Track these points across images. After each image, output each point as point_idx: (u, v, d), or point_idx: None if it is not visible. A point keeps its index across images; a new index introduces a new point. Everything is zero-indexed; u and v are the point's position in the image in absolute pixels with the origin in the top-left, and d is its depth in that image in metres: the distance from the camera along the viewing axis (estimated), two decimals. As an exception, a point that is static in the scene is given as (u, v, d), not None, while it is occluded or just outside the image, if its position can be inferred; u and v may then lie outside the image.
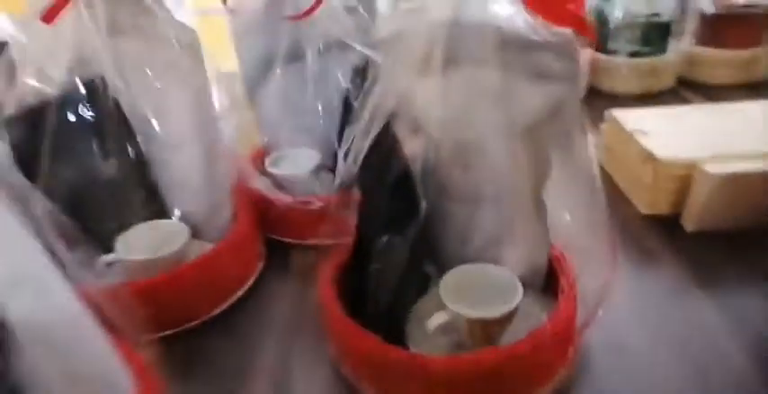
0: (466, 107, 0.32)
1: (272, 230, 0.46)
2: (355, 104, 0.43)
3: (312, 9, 0.41)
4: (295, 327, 0.39)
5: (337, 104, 0.47)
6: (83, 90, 0.39)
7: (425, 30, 0.30)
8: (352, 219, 0.38)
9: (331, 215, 0.44)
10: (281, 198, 0.45)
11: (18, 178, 0.34)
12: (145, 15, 0.39)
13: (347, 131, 0.36)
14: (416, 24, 0.31)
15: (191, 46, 0.40)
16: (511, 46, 0.31)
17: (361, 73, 0.46)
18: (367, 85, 0.34)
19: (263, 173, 0.48)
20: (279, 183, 0.47)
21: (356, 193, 0.38)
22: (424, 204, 0.33)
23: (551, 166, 0.34)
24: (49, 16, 0.33)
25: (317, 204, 0.44)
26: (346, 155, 0.39)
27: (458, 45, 0.31)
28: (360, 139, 0.35)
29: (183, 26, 0.38)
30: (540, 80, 0.32)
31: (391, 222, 0.32)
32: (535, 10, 0.31)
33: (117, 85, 0.39)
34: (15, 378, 0.20)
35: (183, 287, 0.38)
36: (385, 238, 0.32)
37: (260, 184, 0.45)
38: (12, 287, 0.21)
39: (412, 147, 0.34)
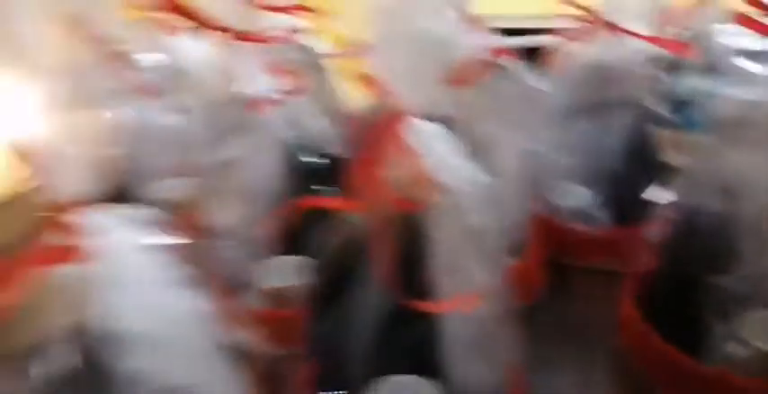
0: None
1: (554, 252, 0.55)
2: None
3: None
4: (583, 332, 0.49)
5: (620, 153, 0.55)
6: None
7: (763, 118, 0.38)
8: (636, 251, 0.47)
9: (610, 245, 0.54)
10: (568, 225, 0.54)
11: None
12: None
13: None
14: (757, 113, 0.38)
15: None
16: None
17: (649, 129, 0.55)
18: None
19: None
20: (556, 210, 0.57)
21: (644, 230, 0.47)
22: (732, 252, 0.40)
23: None
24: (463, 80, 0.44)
25: (602, 233, 0.53)
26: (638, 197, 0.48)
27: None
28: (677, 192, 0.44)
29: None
30: None
31: (709, 263, 0.40)
32: None
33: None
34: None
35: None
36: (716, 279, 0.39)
37: (550, 211, 0.55)
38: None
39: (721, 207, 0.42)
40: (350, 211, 0.32)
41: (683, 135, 0.61)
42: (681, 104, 0.67)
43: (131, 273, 0.26)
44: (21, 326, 0.24)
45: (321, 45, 0.59)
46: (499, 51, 0.46)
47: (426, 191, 0.29)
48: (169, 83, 0.62)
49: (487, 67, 0.45)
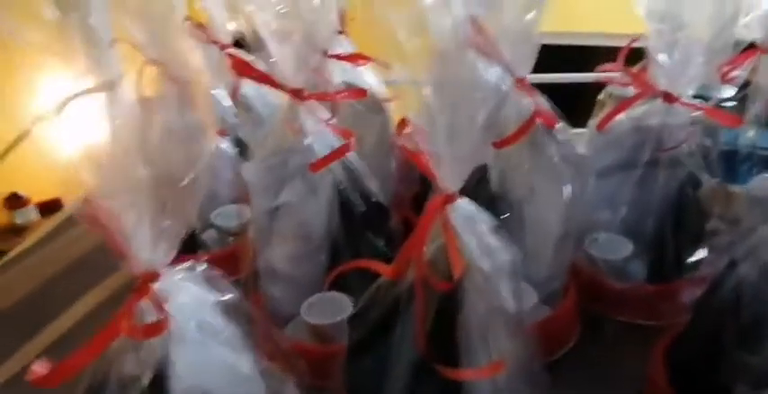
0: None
1: (589, 302, 0.57)
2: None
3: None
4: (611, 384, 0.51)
5: (661, 207, 0.56)
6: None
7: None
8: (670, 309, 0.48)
9: (644, 300, 0.55)
10: (605, 278, 0.56)
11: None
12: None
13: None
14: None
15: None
16: None
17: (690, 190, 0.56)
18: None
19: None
20: (594, 262, 0.58)
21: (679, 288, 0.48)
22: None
23: None
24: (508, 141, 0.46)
25: (636, 289, 0.55)
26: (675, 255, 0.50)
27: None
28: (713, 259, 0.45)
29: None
30: None
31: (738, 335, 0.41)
32: None
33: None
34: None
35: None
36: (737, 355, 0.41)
37: (589, 263, 0.56)
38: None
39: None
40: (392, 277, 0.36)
41: (728, 188, 0.62)
42: (734, 155, 0.67)
43: (197, 333, 0.30)
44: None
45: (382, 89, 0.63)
46: (542, 112, 0.48)
47: (459, 269, 0.32)
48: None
49: (530, 126, 0.47)
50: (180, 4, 0.62)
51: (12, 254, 0.82)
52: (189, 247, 0.64)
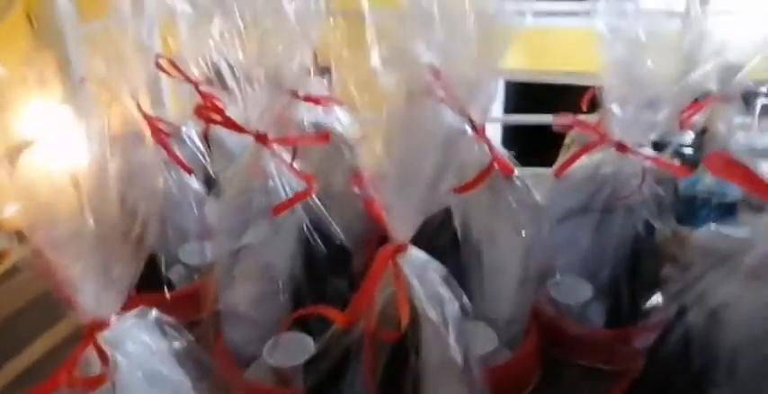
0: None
1: (549, 345, 0.57)
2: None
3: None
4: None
5: (617, 253, 0.57)
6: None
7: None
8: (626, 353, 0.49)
9: (601, 345, 0.56)
10: (564, 322, 0.57)
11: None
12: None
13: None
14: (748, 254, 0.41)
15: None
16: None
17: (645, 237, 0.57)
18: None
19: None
20: (554, 305, 0.59)
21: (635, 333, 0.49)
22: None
23: None
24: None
25: (594, 333, 0.55)
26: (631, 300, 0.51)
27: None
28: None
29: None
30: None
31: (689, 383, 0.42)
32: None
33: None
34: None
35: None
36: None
37: (546, 306, 0.57)
38: None
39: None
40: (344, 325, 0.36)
41: (682, 235, 0.63)
42: (693, 201, 0.69)
43: (143, 383, 0.30)
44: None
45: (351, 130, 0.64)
46: (499, 159, 0.50)
47: (407, 319, 0.32)
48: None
49: (489, 174, 0.49)
50: (152, 44, 0.63)
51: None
52: (156, 283, 0.65)
